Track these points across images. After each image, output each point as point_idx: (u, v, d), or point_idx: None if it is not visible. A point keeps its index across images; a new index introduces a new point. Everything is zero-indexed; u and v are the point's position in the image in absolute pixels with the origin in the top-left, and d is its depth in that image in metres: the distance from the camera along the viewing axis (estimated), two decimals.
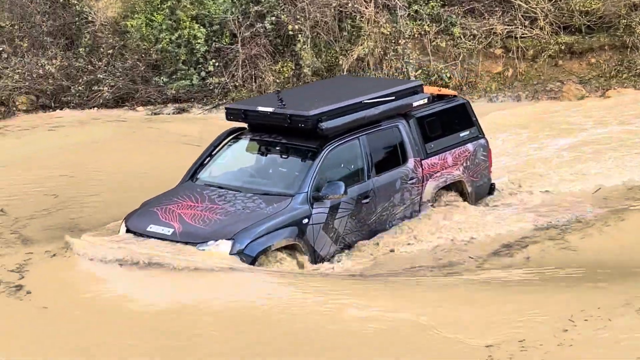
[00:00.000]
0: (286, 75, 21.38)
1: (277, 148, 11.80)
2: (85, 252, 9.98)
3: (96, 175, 15.30)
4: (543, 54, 21.30)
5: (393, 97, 12.18)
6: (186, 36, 21.29)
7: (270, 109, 11.53)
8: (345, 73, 20.83)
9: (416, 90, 12.59)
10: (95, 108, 21.52)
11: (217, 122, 17.00)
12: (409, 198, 12.31)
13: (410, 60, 21.06)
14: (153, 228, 10.67)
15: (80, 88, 21.79)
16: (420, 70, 21.07)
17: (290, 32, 21.24)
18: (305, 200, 11.00)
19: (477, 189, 13.36)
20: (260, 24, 21.35)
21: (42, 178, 15.58)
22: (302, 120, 11.27)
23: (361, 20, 21.18)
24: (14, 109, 21.61)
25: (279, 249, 10.71)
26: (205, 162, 12.07)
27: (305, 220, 10.93)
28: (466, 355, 7.99)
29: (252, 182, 11.55)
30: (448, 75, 21.03)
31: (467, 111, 13.44)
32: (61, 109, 21.53)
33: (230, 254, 10.24)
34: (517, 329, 8.32)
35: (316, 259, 11.12)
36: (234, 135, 12.24)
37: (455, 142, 13.08)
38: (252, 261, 10.31)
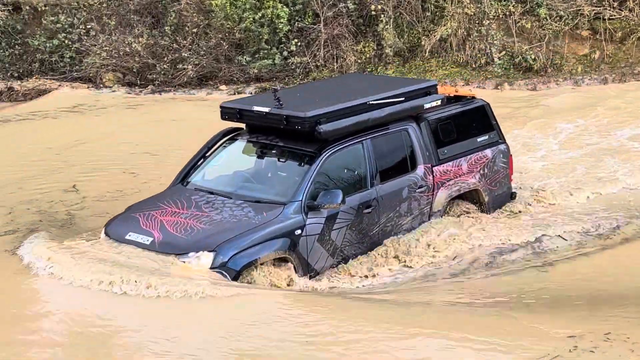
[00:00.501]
0: (368, 55, 20.96)
1: (274, 151, 10.93)
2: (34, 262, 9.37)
3: (178, 153, 14.45)
4: (632, 36, 20.39)
5: (402, 99, 11.23)
6: (269, 15, 20.99)
7: (266, 109, 10.66)
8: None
9: (429, 91, 11.62)
10: (179, 87, 21.51)
11: None
12: (418, 208, 11.36)
13: (494, 42, 20.40)
14: (132, 236, 9.87)
15: (165, 66, 21.72)
16: (504, 52, 20.42)
17: (373, 12, 20.80)
18: (299, 209, 10.12)
19: (495, 199, 12.35)
20: (343, 4, 21.07)
21: (124, 154, 15.38)
22: (299, 122, 10.38)
23: (445, 1, 20.59)
24: (101, 85, 21.80)
25: (268, 262, 9.85)
26: (198, 164, 11.24)
27: (298, 232, 10.05)
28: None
29: (244, 187, 10.69)
30: (532, 57, 20.20)
31: (486, 114, 12.43)
32: (146, 87, 21.56)
33: (212, 267, 9.41)
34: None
35: (310, 272, 10.23)
36: (230, 135, 11.38)
37: (472, 148, 12.09)
38: (236, 276, 9.47)
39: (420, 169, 11.39)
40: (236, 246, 9.57)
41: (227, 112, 11.09)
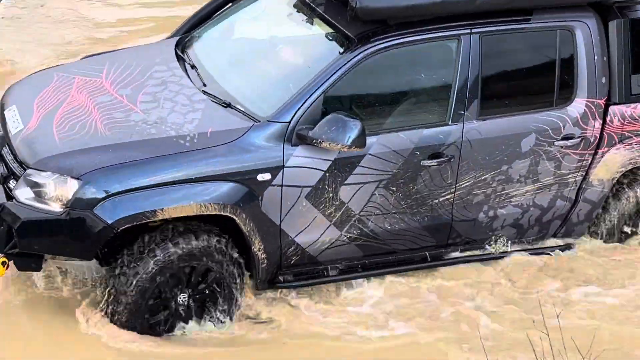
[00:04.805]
0: None
1: (309, 23, 6.24)
2: None
3: None
4: None
5: None
6: None
7: None
8: None
9: None
10: None
11: None
12: (553, 173, 6.24)
13: None
14: (11, 111, 6.00)
15: None
16: None
17: None
18: (279, 137, 5.58)
19: None
20: None
21: None
22: None
23: None
24: None
25: (188, 222, 5.59)
26: (221, 12, 6.87)
27: (265, 176, 5.56)
28: None
29: (231, 73, 6.24)
30: None
31: None
32: None
33: (71, 206, 5.33)
34: None
35: (284, 248, 5.80)
36: None
37: None
38: (105, 231, 5.32)
39: (578, 105, 6.16)
40: (123, 178, 5.36)
41: None
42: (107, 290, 5.58)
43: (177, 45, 6.57)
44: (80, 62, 6.70)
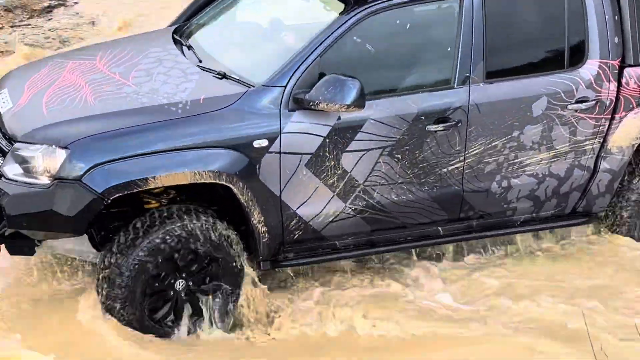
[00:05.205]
0: None
1: None
2: None
3: None
4: None
5: None
6: None
7: None
8: None
9: None
10: None
11: None
12: (568, 140, 5.93)
13: None
14: (4, 93, 5.83)
15: None
16: None
17: None
18: (276, 101, 5.34)
19: None
20: None
21: None
22: None
23: None
24: None
25: (180, 192, 5.37)
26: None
27: (261, 143, 5.31)
28: None
29: (228, 51, 6.05)
30: None
31: None
32: None
33: (59, 177, 5.11)
34: None
35: (285, 221, 5.52)
36: None
37: None
38: (95, 202, 5.08)
39: (591, 67, 5.87)
40: (112, 147, 5.14)
41: None
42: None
43: (175, 32, 6.40)
44: (76, 50, 6.58)
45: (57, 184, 5.07)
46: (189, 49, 6.03)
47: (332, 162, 5.46)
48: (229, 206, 5.44)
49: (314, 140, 5.39)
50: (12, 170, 5.22)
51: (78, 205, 5.07)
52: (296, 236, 5.57)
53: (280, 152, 5.34)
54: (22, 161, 5.19)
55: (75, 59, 6.10)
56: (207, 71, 5.63)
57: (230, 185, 5.26)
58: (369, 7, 5.45)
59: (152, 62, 5.84)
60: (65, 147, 5.10)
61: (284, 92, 5.32)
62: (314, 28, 5.61)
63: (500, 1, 5.70)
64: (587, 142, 5.97)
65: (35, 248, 5.46)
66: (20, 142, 5.24)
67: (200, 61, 5.80)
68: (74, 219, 5.11)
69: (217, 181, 5.23)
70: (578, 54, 5.85)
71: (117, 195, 5.09)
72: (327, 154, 5.43)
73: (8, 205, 5.13)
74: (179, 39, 6.22)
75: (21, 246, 5.39)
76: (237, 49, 6.03)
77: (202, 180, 5.21)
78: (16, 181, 5.18)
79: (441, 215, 5.84)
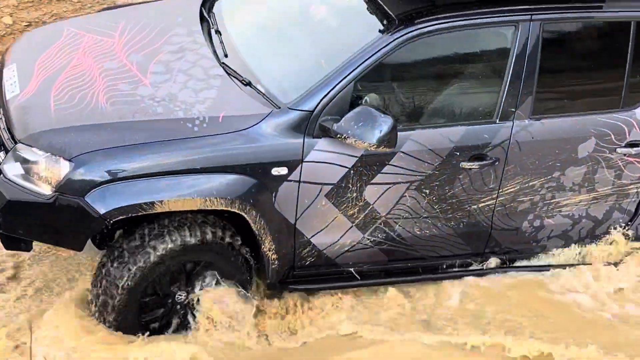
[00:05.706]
0: None
1: None
2: None
3: None
4: None
5: None
6: None
7: None
8: None
9: None
10: None
11: None
12: (612, 183, 5.50)
13: None
14: (9, 70, 5.41)
15: None
16: None
17: None
18: (299, 127, 4.90)
19: None
20: None
21: None
22: None
23: None
24: None
25: (194, 216, 5.01)
26: None
27: (280, 171, 4.92)
28: None
29: (257, 44, 5.53)
30: None
31: None
32: None
33: (60, 190, 4.76)
34: None
35: (297, 249, 5.18)
36: None
37: None
38: (95, 223, 4.75)
39: None
40: (119, 164, 4.76)
41: None
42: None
43: (203, 4, 5.87)
44: (95, 17, 6.07)
45: (58, 197, 4.73)
46: (216, 33, 5.54)
47: (355, 194, 5.08)
48: (242, 226, 5.10)
49: (338, 171, 4.99)
50: (13, 169, 4.88)
51: (78, 223, 4.75)
52: (308, 262, 5.26)
53: (300, 181, 4.95)
54: (24, 162, 4.84)
55: (92, 31, 5.62)
56: (231, 76, 5.16)
57: (243, 214, 4.90)
58: (417, 29, 4.93)
59: (174, 52, 5.37)
60: (69, 160, 4.73)
61: (310, 118, 4.88)
62: (351, 32, 5.13)
63: (559, 32, 5.16)
64: (632, 186, 5.54)
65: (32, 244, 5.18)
66: (23, 143, 4.87)
67: (226, 56, 5.32)
68: (72, 236, 4.81)
69: (229, 209, 4.87)
70: (636, 93, 5.33)
71: (120, 217, 4.75)
72: (350, 185, 5.04)
73: (4, 210, 4.82)
74: (206, 16, 5.71)
75: (18, 242, 5.10)
76: (267, 43, 5.50)
77: (213, 207, 4.85)
78: (16, 184, 4.84)
79: (464, 250, 5.49)
